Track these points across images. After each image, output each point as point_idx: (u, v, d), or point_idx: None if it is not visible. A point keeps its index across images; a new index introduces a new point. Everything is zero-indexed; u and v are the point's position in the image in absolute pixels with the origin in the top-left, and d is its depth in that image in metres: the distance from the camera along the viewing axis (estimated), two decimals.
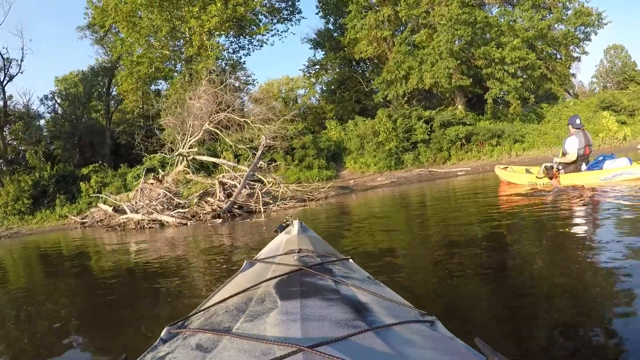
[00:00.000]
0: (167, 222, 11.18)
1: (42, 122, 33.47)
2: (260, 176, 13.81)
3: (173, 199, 12.89)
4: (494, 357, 0.90)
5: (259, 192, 12.25)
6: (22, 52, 34.17)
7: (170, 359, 0.94)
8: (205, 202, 12.00)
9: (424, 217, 7.47)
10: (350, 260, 1.78)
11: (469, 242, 4.45)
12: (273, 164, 19.87)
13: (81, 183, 24.42)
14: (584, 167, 7.62)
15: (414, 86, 25.21)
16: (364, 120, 23.46)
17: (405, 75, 25.56)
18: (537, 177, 8.14)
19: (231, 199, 11.69)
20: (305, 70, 33.23)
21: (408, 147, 22.22)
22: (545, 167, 7.94)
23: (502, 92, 23.60)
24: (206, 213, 11.34)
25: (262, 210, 11.72)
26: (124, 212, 12.74)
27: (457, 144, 22.25)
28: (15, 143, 32.18)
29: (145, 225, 11.37)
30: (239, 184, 12.50)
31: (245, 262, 1.74)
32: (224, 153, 22.10)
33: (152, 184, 17.29)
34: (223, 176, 14.19)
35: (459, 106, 26.14)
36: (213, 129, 17.00)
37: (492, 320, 2.42)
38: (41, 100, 34.98)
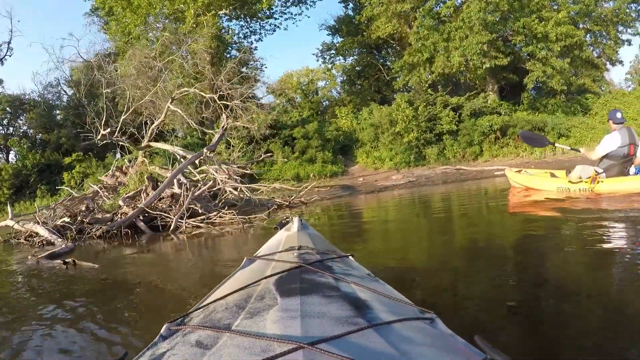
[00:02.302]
0: (45, 237, 7.05)
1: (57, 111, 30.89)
2: (219, 170, 9.65)
3: (99, 201, 8.95)
4: (493, 354, 0.86)
5: (184, 193, 7.94)
6: (11, 34, 30.81)
7: (170, 356, 0.90)
8: (130, 206, 7.79)
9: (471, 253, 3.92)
10: (351, 257, 1.68)
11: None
12: (270, 157, 15.94)
13: (65, 173, 21.32)
14: (632, 170, 6.34)
15: (439, 70, 20.79)
16: (380, 108, 19.13)
17: (430, 58, 21.17)
18: (570, 181, 6.66)
19: (142, 205, 7.31)
20: (319, 54, 28.84)
21: (431, 140, 17.82)
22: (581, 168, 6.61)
23: (545, 76, 18.86)
24: (96, 229, 7.16)
25: (180, 225, 7.32)
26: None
27: (491, 137, 17.78)
28: (31, 132, 29.80)
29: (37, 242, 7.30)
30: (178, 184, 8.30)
31: (245, 259, 1.66)
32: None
33: (113, 177, 13.54)
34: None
35: (491, 94, 21.51)
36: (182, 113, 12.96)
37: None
38: (45, 87, 32.43)
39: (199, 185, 8.93)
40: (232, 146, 17.04)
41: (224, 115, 11.63)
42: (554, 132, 18.51)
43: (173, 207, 7.57)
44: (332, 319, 0.96)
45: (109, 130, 12.10)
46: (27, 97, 29.75)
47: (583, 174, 6.59)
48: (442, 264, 3.42)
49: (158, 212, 7.53)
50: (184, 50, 22.12)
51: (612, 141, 6.34)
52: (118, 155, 19.52)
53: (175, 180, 8.29)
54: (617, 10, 21.75)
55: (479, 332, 1.00)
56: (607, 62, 24.64)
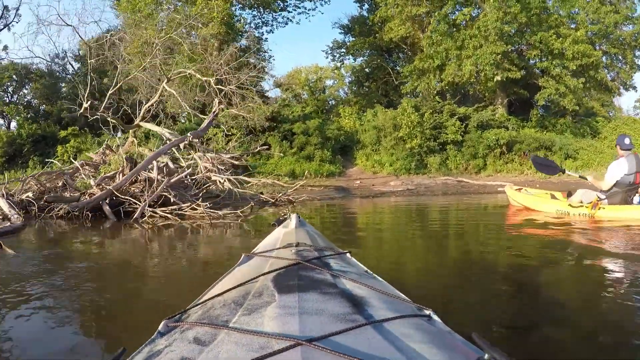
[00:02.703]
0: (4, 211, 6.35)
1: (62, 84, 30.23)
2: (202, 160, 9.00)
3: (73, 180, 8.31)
4: (491, 352, 0.82)
5: (159, 178, 7.26)
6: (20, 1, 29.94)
7: (168, 352, 0.88)
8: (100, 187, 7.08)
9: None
10: (348, 254, 1.67)
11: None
12: (266, 150, 15.32)
13: (59, 146, 20.73)
14: (636, 199, 6.15)
15: (449, 79, 20.12)
16: (385, 111, 18.47)
17: (440, 66, 20.51)
18: (570, 205, 6.49)
19: (110, 187, 6.60)
20: (329, 51, 28.16)
21: (434, 148, 17.17)
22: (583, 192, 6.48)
23: (557, 93, 18.16)
24: (58, 208, 6.54)
25: (146, 213, 6.73)
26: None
27: (496, 152, 17.14)
28: (35, 102, 29.19)
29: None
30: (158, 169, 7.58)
31: (243, 255, 1.63)
32: (215, 130, 17.56)
33: (103, 154, 12.92)
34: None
35: (500, 108, 20.81)
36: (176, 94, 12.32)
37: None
38: (52, 59, 31.71)
39: (178, 172, 8.25)
40: (231, 135, 16.45)
41: (216, 100, 10.98)
42: (561, 152, 17.87)
43: (145, 192, 6.87)
44: (330, 316, 0.96)
45: (89, 102, 11.42)
46: (34, 66, 29.21)
47: (584, 198, 6.39)
48: (433, 282, 3.24)
49: (127, 197, 6.86)
50: (192, 34, 21.54)
51: (619, 168, 6.16)
52: (115, 134, 18.83)
53: (155, 164, 7.62)
54: (636, 35, 21.07)
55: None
56: (621, 87, 23.96)
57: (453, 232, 6.02)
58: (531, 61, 19.70)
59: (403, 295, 1.23)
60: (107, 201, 6.58)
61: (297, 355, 0.75)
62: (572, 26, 20.00)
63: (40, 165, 20.03)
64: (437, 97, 18.77)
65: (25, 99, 28.91)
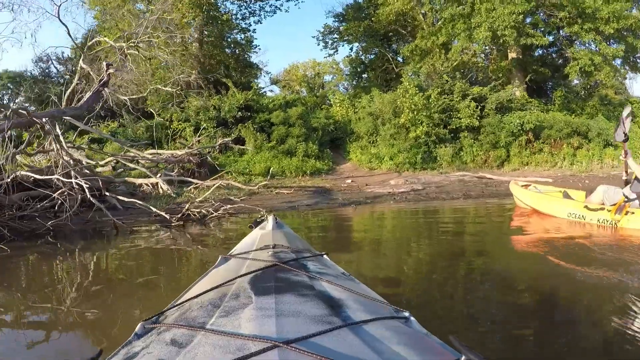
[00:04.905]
0: None
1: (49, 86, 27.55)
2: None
3: None
4: (468, 354, 0.81)
5: None
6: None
7: (145, 354, 0.87)
8: None
9: None
10: (325, 256, 1.64)
11: None
12: (228, 144, 11.85)
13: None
14: None
15: (456, 57, 16.50)
16: (381, 94, 14.83)
17: (446, 44, 16.93)
18: (587, 207, 4.98)
19: None
20: (321, 38, 24.78)
21: (445, 137, 13.48)
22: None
23: (592, 65, 14.40)
24: None
25: None
26: None
27: (521, 140, 13.46)
28: (32, 108, 26.44)
29: None
30: None
31: (220, 257, 1.61)
32: (183, 124, 14.08)
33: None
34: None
35: (517, 91, 17.07)
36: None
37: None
38: (35, 62, 28.78)
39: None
40: (203, 129, 12.99)
41: (103, 63, 7.50)
42: (599, 139, 14.21)
43: None
44: (307, 318, 0.93)
45: None
46: (28, 73, 26.85)
47: (607, 198, 5.00)
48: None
49: None
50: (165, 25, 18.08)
51: None
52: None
53: None
54: None
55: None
56: None
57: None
58: (553, 33, 15.99)
59: (380, 298, 1.21)
60: None
61: (274, 357, 0.73)
62: None
63: None
64: (445, 75, 15.03)
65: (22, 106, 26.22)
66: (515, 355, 2.07)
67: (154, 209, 5.96)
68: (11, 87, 25.53)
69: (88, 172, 6.41)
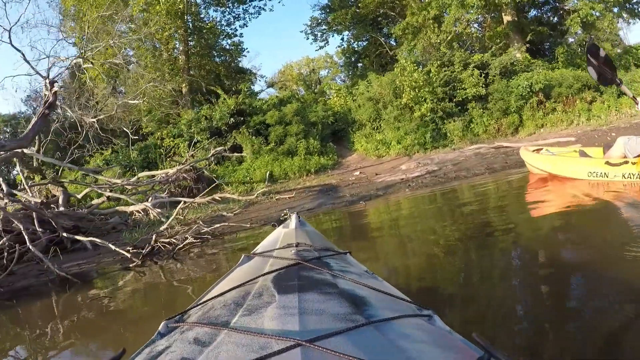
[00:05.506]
0: None
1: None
2: None
3: None
4: (492, 351, 0.79)
5: None
6: None
7: (168, 353, 0.86)
8: None
9: None
10: (348, 254, 1.63)
11: None
12: (220, 153, 11.12)
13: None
14: None
15: (451, 27, 15.63)
16: (379, 77, 14.00)
17: (437, 17, 16.11)
18: (608, 162, 4.44)
19: None
20: (309, 31, 24.04)
21: (452, 110, 12.60)
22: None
23: (594, 13, 13.49)
24: None
25: None
26: None
27: (532, 102, 12.58)
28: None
29: None
30: None
31: (243, 256, 1.60)
32: (176, 141, 13.35)
33: None
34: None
35: (518, 53, 16.15)
36: None
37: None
38: (24, 101, 28.35)
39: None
40: (197, 142, 12.25)
41: (46, 80, 6.73)
42: (612, 89, 13.32)
43: None
44: (330, 316, 0.92)
45: None
46: (22, 115, 26.60)
47: (628, 149, 4.32)
48: None
49: None
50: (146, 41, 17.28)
51: None
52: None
53: None
54: None
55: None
56: None
57: None
58: None
59: (403, 295, 1.18)
60: None
61: (297, 356, 0.72)
62: None
63: None
64: (442, 47, 14.14)
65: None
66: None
67: (113, 247, 5.15)
68: (8, 130, 25.18)
69: (50, 212, 5.52)
